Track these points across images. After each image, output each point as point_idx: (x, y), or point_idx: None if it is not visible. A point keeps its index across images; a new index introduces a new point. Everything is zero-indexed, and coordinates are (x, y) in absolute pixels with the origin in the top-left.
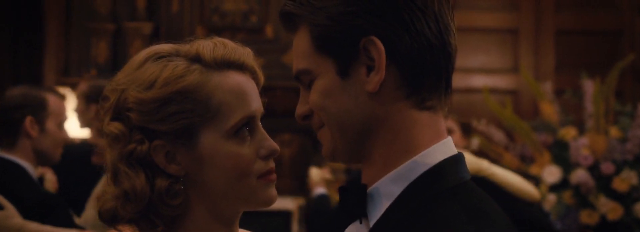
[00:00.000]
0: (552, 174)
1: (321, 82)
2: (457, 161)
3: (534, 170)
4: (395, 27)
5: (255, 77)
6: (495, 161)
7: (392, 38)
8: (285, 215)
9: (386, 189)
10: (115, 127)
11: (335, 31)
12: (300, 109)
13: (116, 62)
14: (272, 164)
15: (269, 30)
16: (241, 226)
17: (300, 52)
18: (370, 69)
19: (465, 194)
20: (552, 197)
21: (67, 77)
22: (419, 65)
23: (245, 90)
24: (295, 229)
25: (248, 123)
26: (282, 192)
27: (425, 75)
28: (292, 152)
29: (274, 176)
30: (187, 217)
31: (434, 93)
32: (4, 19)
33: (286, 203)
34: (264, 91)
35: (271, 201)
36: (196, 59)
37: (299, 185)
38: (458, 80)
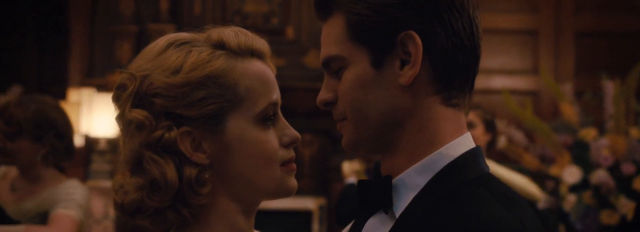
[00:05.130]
0: (572, 174)
1: (354, 71)
2: (477, 153)
3: (554, 170)
4: (434, 24)
5: (270, 68)
6: (515, 161)
7: (429, 34)
8: (306, 215)
9: (411, 181)
10: (139, 113)
11: (375, 22)
12: (324, 95)
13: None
14: (293, 153)
15: (289, 32)
16: (260, 228)
17: (332, 38)
18: (404, 63)
19: (492, 183)
20: (572, 198)
21: (92, 79)
22: (452, 63)
23: (270, 77)
24: (316, 229)
25: (271, 111)
26: (303, 192)
27: (456, 74)
28: (312, 153)
29: (294, 165)
30: (212, 207)
31: (461, 92)
32: (31, 22)
33: (306, 203)
34: (285, 92)
35: (292, 191)
36: (220, 45)
37: (319, 185)
38: (478, 81)
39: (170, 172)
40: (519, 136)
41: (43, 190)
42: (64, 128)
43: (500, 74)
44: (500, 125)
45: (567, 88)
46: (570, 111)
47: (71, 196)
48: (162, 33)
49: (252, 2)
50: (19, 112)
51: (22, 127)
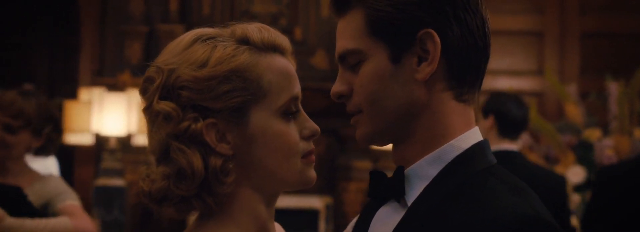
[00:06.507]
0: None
1: (372, 66)
2: (485, 146)
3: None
4: (452, 23)
5: (291, 63)
6: None
7: (447, 32)
8: (313, 214)
9: (423, 171)
10: (167, 105)
11: (396, 19)
12: (339, 87)
13: (149, 63)
14: (312, 145)
15: (297, 33)
16: None
17: (350, 33)
18: (421, 59)
19: (501, 173)
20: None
21: (102, 78)
22: (465, 61)
23: (291, 72)
24: (322, 227)
25: (293, 104)
26: (309, 191)
27: (468, 72)
28: (320, 152)
29: (314, 157)
30: (236, 197)
31: (471, 89)
32: (42, 22)
33: (313, 202)
34: None
35: (312, 181)
36: (244, 40)
37: (326, 184)
38: (483, 82)
39: (197, 161)
40: (523, 136)
41: (30, 183)
42: (60, 121)
43: (506, 74)
44: None
45: (572, 89)
46: (574, 112)
47: (67, 188)
48: (171, 33)
49: (260, 3)
50: (28, 105)
51: (31, 120)
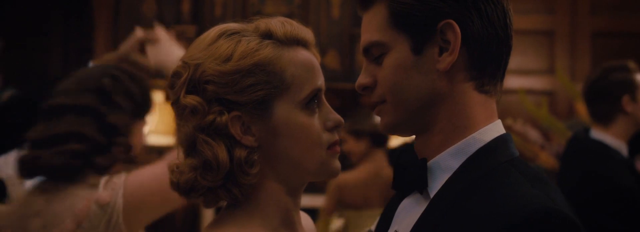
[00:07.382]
0: None
1: (394, 57)
2: (507, 139)
3: None
4: (472, 14)
5: (315, 56)
6: (531, 160)
7: (467, 23)
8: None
9: (446, 163)
10: (193, 99)
11: (417, 10)
12: (364, 79)
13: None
14: (337, 136)
15: None
16: None
17: (374, 26)
18: (442, 50)
19: (522, 166)
20: None
21: None
22: (486, 52)
23: (314, 65)
24: None
25: (315, 96)
26: (318, 190)
27: (489, 62)
28: None
29: (339, 148)
30: (261, 188)
31: (493, 79)
32: (56, 23)
33: (321, 201)
34: None
35: (337, 172)
36: (267, 35)
37: None
38: None
39: (222, 153)
40: (534, 135)
41: None
42: None
43: (517, 74)
44: (517, 124)
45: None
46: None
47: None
48: (183, 34)
49: (271, 4)
50: None
51: None
